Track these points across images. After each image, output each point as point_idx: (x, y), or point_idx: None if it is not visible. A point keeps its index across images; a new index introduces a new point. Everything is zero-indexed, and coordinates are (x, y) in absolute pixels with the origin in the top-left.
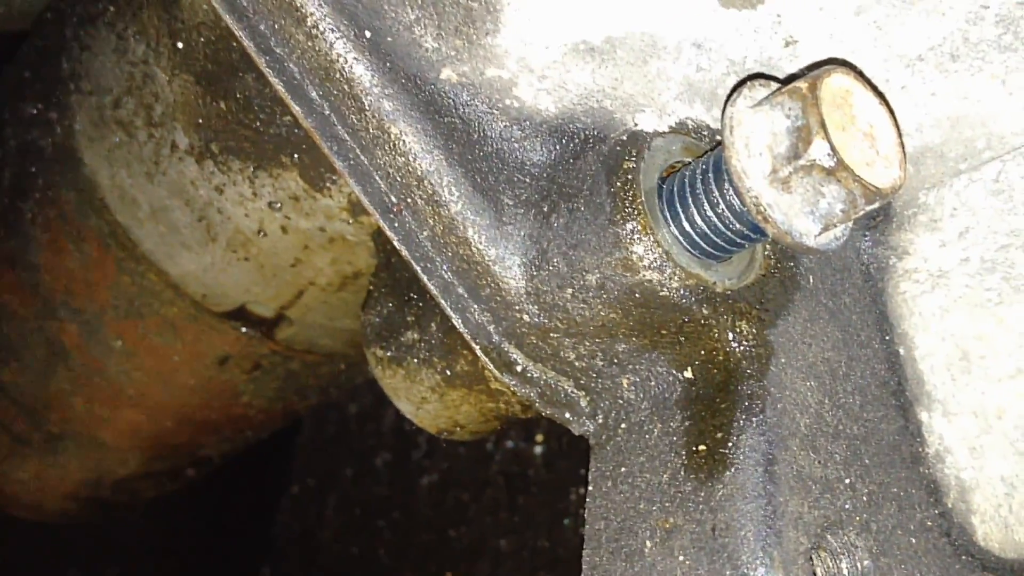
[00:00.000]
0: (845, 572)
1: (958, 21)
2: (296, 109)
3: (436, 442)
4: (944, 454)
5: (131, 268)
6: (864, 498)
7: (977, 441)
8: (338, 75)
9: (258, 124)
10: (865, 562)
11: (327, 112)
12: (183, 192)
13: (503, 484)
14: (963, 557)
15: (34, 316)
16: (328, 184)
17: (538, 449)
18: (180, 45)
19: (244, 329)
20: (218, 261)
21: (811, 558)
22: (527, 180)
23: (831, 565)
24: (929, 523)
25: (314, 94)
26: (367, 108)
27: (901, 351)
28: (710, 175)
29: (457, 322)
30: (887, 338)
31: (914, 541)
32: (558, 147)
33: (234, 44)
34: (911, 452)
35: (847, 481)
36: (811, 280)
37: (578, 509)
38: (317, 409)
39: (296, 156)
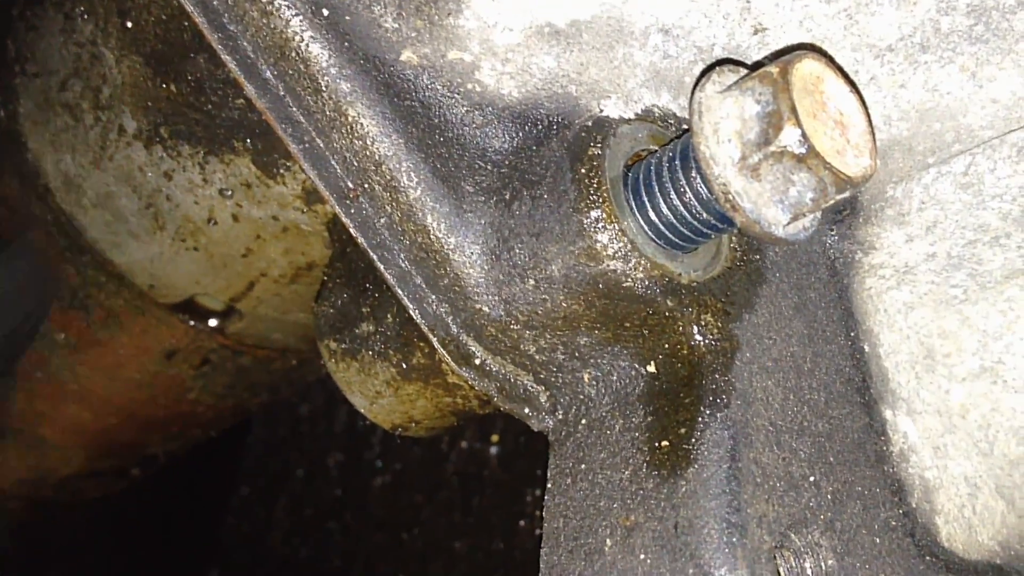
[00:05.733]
0: (809, 571)
1: (929, 11)
2: (249, 89)
3: (389, 442)
4: (909, 453)
5: (75, 258)
6: (829, 496)
7: (941, 440)
8: (294, 54)
9: (210, 107)
10: (829, 561)
11: (282, 92)
12: (130, 178)
13: (458, 485)
14: (927, 558)
15: None
16: (282, 171)
17: (493, 449)
18: (129, 25)
19: (192, 322)
20: (166, 251)
21: (775, 557)
22: (488, 166)
23: (795, 564)
24: (893, 523)
25: (268, 74)
26: (324, 89)
27: (866, 348)
28: (677, 162)
29: (414, 313)
30: (852, 334)
31: (878, 541)
32: (521, 133)
33: (185, 24)
34: (876, 450)
35: (812, 479)
36: (777, 274)
37: (535, 510)
38: (268, 408)
39: (249, 141)
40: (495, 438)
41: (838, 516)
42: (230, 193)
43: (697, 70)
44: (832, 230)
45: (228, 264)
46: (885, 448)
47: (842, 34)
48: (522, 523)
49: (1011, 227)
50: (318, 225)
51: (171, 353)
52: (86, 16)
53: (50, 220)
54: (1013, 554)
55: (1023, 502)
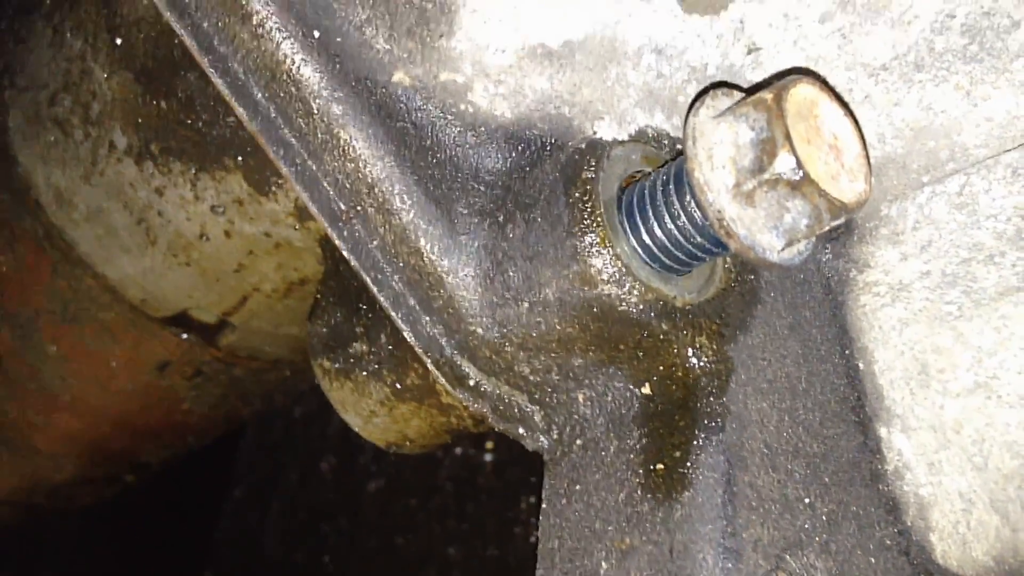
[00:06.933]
0: None
1: (924, 31)
2: (240, 111)
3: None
4: (903, 470)
5: (67, 271)
6: (824, 518)
7: (935, 456)
8: (285, 76)
9: (200, 124)
10: None
11: (273, 115)
12: (121, 194)
13: (452, 491)
14: None
15: None
16: (273, 188)
17: (488, 456)
18: (119, 41)
19: (185, 335)
20: (158, 265)
21: None
22: (482, 188)
23: None
24: (888, 542)
25: (259, 96)
26: (315, 111)
27: (861, 365)
28: (671, 186)
29: (408, 334)
30: (847, 352)
31: (873, 561)
32: (514, 154)
33: (175, 41)
34: (870, 469)
35: (807, 500)
36: (771, 294)
37: (529, 518)
38: (261, 412)
39: (240, 158)
40: (490, 445)
41: (833, 537)
42: (222, 209)
43: (691, 90)
44: (827, 248)
45: (220, 279)
46: (880, 466)
47: (836, 53)
48: (516, 530)
49: (1005, 246)
50: (311, 241)
51: (164, 365)
52: (75, 31)
53: (41, 234)
54: (1007, 569)
55: (1017, 516)
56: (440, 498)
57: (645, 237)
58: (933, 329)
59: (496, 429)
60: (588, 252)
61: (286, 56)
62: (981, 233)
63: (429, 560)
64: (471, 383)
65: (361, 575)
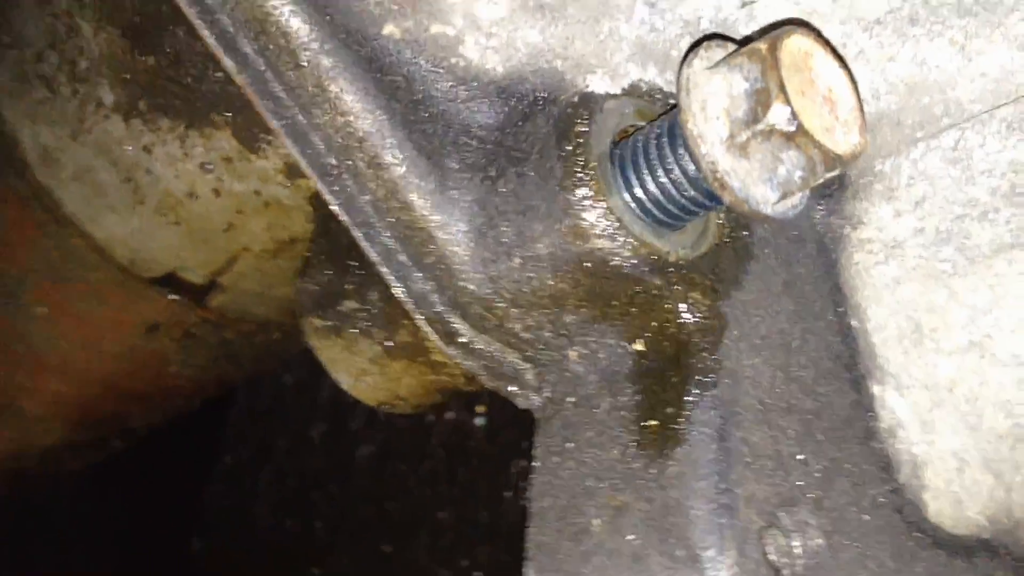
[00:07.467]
0: (797, 550)
1: None
2: (229, 64)
3: (374, 413)
4: (896, 428)
5: (54, 231)
6: (817, 475)
7: (929, 415)
8: (274, 28)
9: (189, 80)
10: (818, 540)
11: (262, 68)
12: (109, 152)
13: (443, 456)
14: (915, 534)
15: None
16: (263, 145)
17: (479, 420)
18: None
19: (174, 296)
20: (146, 225)
21: (763, 536)
22: (474, 143)
23: (783, 543)
24: (882, 499)
25: (248, 49)
26: (305, 64)
27: (854, 323)
28: (664, 139)
29: (399, 291)
30: (840, 310)
31: (867, 518)
32: (506, 109)
33: None
34: (864, 427)
35: (800, 457)
36: (765, 250)
37: (520, 482)
38: (251, 378)
39: (229, 115)
40: (481, 409)
41: (826, 494)
42: (211, 167)
43: (684, 44)
44: (820, 205)
45: (209, 239)
46: (873, 424)
47: (830, 7)
48: (507, 494)
49: (1000, 202)
50: (301, 200)
51: (152, 327)
52: None
53: (27, 193)
54: (1001, 528)
55: (1011, 475)
56: (431, 463)
57: (638, 191)
58: (927, 287)
59: (487, 387)
60: (581, 206)
61: (275, 7)
62: (975, 189)
63: (420, 525)
64: (462, 340)
65: (352, 541)
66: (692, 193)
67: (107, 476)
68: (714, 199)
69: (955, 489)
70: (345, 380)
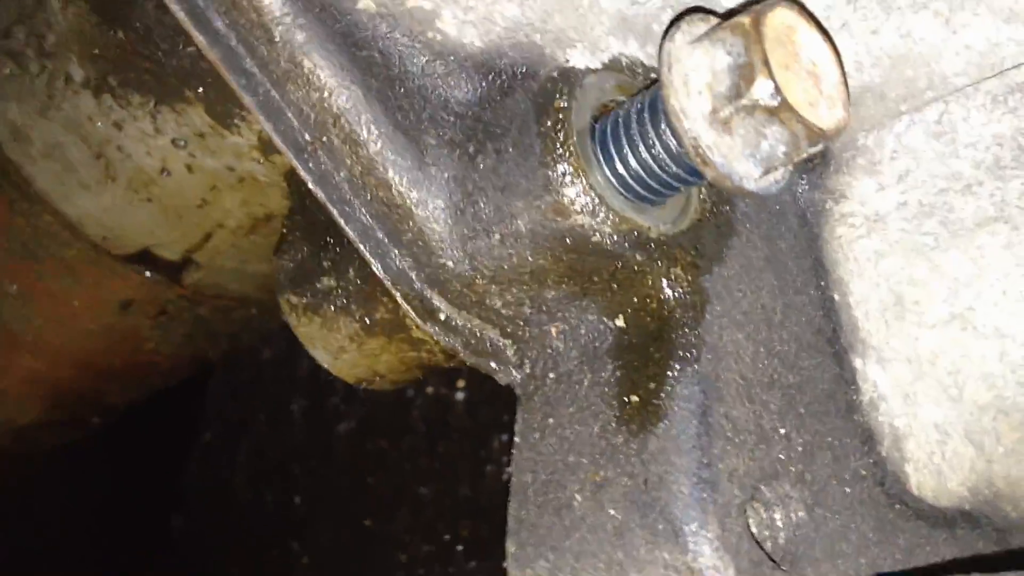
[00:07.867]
0: (779, 524)
1: None
2: (200, 39)
3: (354, 388)
4: (878, 401)
5: (24, 208)
6: (799, 448)
7: (911, 388)
8: (245, 2)
9: (159, 55)
10: (800, 513)
11: (234, 43)
12: (79, 128)
13: (423, 430)
14: (896, 506)
15: None
16: (236, 121)
17: (460, 395)
18: None
19: (148, 273)
20: (118, 202)
21: (745, 510)
22: (451, 119)
23: (765, 517)
24: (863, 472)
25: (219, 23)
26: (278, 39)
27: (836, 297)
28: (646, 115)
29: (377, 268)
30: (822, 284)
31: (848, 491)
32: (484, 84)
33: None
34: (846, 400)
35: (782, 431)
36: (747, 225)
37: (501, 456)
38: (229, 353)
39: (201, 90)
40: (461, 383)
41: (808, 468)
42: (183, 143)
43: (665, 17)
44: (803, 179)
45: (183, 215)
46: (855, 397)
47: None
48: (489, 468)
49: (983, 175)
50: (276, 176)
51: (127, 304)
52: None
53: None
54: (982, 499)
55: (992, 447)
56: (412, 438)
57: (619, 167)
58: (909, 260)
59: (467, 364)
60: (561, 182)
61: None
62: (959, 162)
63: (401, 500)
64: (441, 317)
65: (333, 516)
66: (674, 169)
67: (85, 453)
68: (696, 175)
69: (937, 461)
70: (323, 357)
